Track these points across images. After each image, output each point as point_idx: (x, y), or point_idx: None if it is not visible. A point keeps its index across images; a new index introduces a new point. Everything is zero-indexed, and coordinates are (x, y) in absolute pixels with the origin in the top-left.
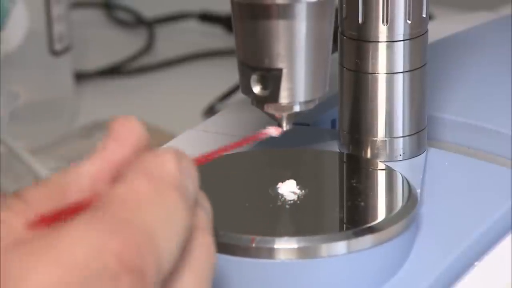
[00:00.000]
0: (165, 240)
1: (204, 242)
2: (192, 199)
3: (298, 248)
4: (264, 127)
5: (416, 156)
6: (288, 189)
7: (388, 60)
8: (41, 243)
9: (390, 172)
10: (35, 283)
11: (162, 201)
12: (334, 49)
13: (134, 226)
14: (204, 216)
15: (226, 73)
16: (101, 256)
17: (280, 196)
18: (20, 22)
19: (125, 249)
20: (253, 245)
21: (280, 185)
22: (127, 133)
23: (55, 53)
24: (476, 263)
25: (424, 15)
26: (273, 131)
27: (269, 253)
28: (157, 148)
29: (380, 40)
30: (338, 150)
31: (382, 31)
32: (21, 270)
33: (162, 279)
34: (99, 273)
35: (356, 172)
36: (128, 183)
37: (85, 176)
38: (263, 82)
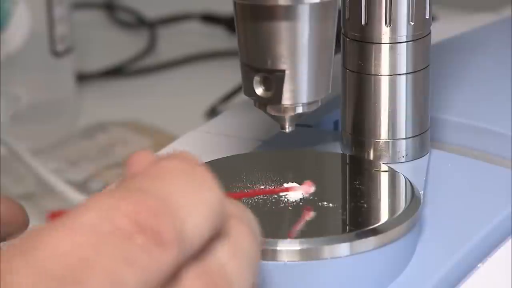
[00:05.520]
0: (188, 208)
1: (243, 228)
2: None
3: (301, 250)
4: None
5: (419, 158)
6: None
7: (391, 62)
8: (58, 218)
9: (393, 174)
10: (48, 249)
11: (192, 174)
12: (337, 51)
13: (149, 192)
14: (239, 211)
15: (228, 74)
16: (112, 217)
17: (283, 198)
18: (22, 23)
19: (138, 210)
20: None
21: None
22: (141, 161)
23: (57, 54)
24: (479, 265)
25: (427, 17)
26: (305, 188)
27: (272, 254)
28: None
29: (383, 42)
30: (341, 152)
31: (385, 32)
32: (38, 238)
33: (189, 249)
34: (111, 233)
35: (358, 173)
36: (159, 163)
37: None
38: (265, 83)
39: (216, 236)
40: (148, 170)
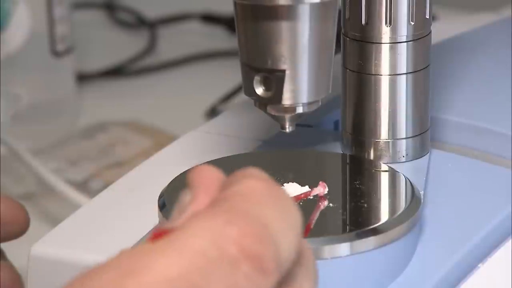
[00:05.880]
0: (282, 233)
1: (310, 251)
2: None
3: None
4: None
5: (419, 158)
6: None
7: (391, 62)
8: (164, 240)
9: (393, 174)
10: (158, 273)
11: (276, 197)
12: (337, 50)
13: (251, 216)
14: None
15: (229, 74)
16: (219, 243)
17: None
18: (22, 23)
19: (243, 236)
20: None
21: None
22: (207, 176)
23: (57, 54)
24: (479, 265)
25: (427, 16)
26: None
27: None
28: None
29: (383, 41)
30: (341, 152)
31: (385, 32)
32: (148, 259)
33: (282, 274)
34: (218, 259)
35: (359, 173)
36: (242, 183)
37: None
38: (266, 83)
39: (297, 255)
40: (235, 190)
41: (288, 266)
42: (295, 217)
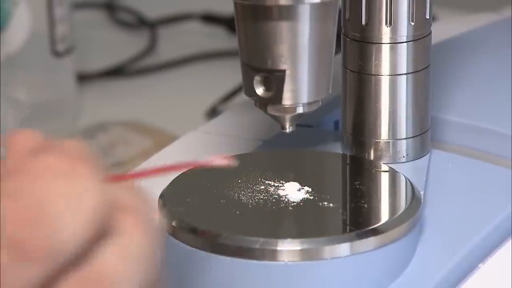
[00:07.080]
0: (67, 215)
1: (132, 222)
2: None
3: (302, 250)
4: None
5: (419, 158)
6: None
7: (391, 62)
8: None
9: (393, 174)
10: None
11: (72, 174)
12: (337, 51)
13: (24, 198)
14: (133, 202)
15: (229, 74)
16: None
17: (283, 198)
18: (23, 23)
19: (8, 221)
20: None
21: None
22: (22, 143)
23: (57, 54)
24: (480, 265)
25: (427, 17)
26: (219, 160)
27: (273, 255)
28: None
29: (383, 42)
30: (341, 152)
31: (386, 32)
32: None
33: (66, 257)
34: None
35: (359, 174)
36: (38, 158)
37: None
38: (266, 83)
39: (101, 235)
40: (25, 165)
41: (76, 248)
42: (90, 198)
